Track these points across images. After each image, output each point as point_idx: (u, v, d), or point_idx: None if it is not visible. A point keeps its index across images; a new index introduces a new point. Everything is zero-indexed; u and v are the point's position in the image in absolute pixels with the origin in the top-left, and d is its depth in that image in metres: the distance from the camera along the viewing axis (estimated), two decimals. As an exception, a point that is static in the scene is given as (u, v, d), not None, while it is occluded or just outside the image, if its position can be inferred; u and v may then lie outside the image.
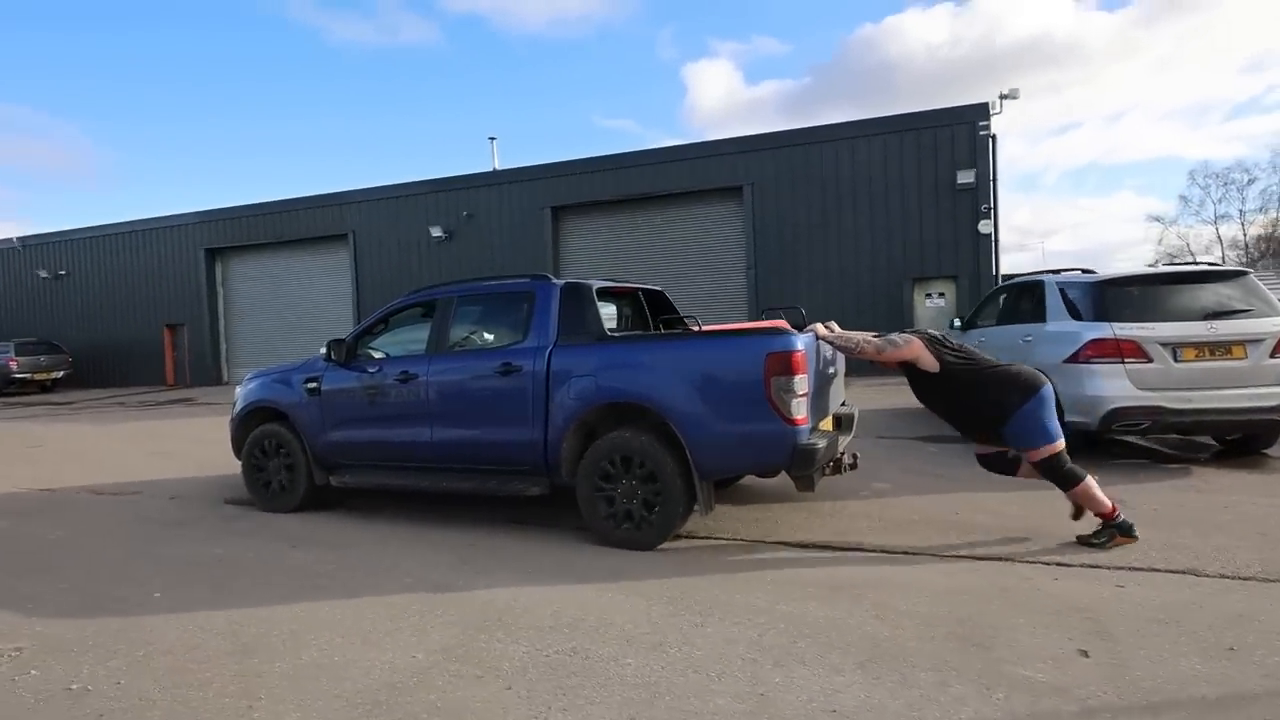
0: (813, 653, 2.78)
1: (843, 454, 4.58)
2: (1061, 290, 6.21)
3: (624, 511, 4.17)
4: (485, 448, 4.66)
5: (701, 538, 4.35)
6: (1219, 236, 43.65)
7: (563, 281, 4.72)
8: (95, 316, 23.52)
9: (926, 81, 74.19)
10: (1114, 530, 3.84)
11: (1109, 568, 3.58)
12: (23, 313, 24.65)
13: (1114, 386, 5.45)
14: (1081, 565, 3.63)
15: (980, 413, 4.01)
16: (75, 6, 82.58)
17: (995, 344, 7.20)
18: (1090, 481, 3.86)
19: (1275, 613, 2.99)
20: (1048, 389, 3.94)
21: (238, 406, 5.79)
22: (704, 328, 4.48)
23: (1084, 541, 3.87)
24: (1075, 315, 5.93)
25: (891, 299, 14.63)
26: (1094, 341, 5.56)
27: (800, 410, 3.87)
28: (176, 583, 3.89)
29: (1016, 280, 7.51)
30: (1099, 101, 77.10)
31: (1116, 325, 5.51)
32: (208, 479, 6.81)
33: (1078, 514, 4.03)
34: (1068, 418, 5.73)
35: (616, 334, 4.80)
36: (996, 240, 13.84)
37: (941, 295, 14.53)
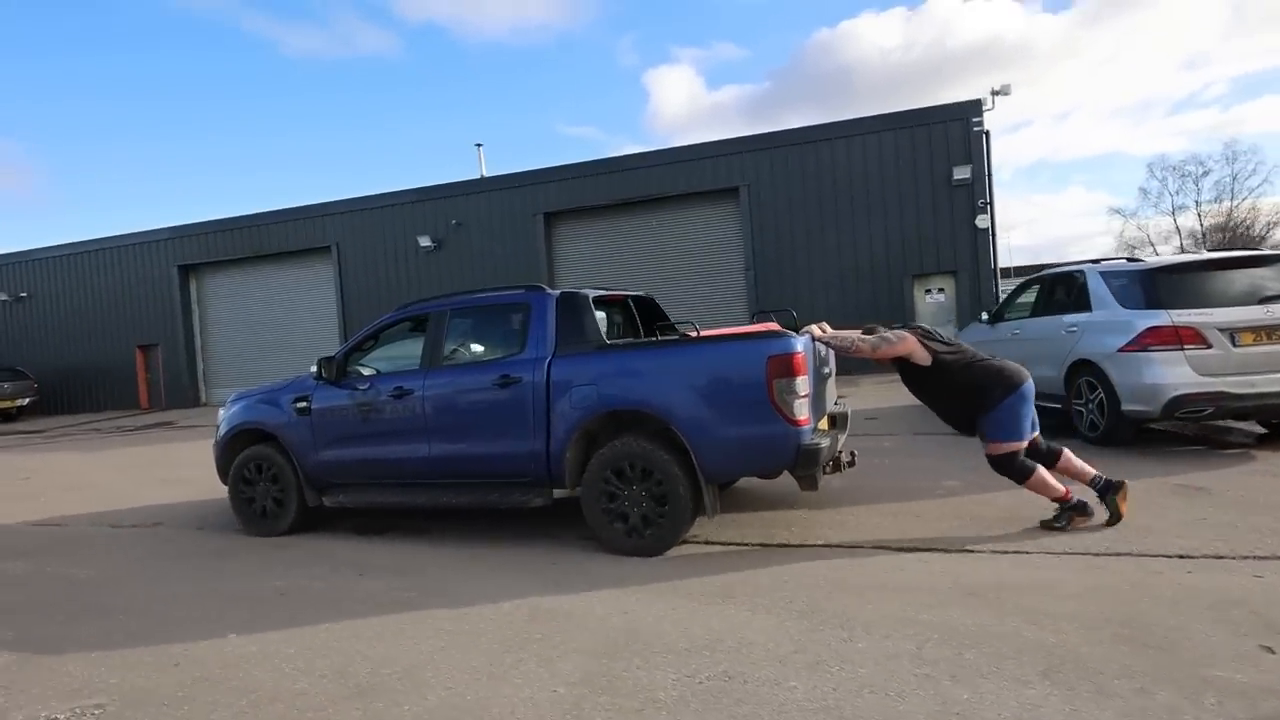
0: (986, 664, 2.62)
1: (840, 452, 4.62)
2: (1106, 279, 6.20)
3: (630, 518, 4.16)
4: (485, 461, 4.62)
5: (754, 545, 4.18)
6: (1177, 227, 45.10)
7: (558, 292, 4.71)
8: (61, 340, 22.51)
9: (882, 84, 75.94)
10: (1071, 512, 4.03)
11: (1233, 557, 3.50)
12: (-18, 338, 23.52)
13: (1175, 374, 5.42)
14: (1204, 556, 3.54)
15: (966, 402, 4.11)
16: (19, 29, 79.73)
17: (1033, 335, 7.21)
18: (1041, 470, 4.03)
19: None
20: (1029, 386, 4.07)
21: (222, 430, 5.61)
22: (702, 332, 4.46)
23: (1046, 526, 4.05)
24: (1125, 303, 5.91)
25: (892, 296, 14.67)
26: (1152, 329, 5.54)
27: (803, 411, 3.94)
28: (249, 620, 3.58)
29: (1050, 271, 7.51)
30: (1047, 101, 79.41)
31: (1173, 312, 5.49)
32: (224, 505, 6.41)
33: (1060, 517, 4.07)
34: (1125, 406, 5.73)
35: (616, 342, 4.79)
36: (994, 235, 13.99)
37: (941, 291, 14.62)
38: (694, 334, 4.43)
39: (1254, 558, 3.48)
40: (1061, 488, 4.04)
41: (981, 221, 13.90)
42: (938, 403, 4.33)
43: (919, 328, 4.27)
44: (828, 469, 4.28)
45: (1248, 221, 43.18)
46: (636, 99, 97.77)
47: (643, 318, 5.81)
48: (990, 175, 14.03)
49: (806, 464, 3.95)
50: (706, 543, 4.33)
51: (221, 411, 5.80)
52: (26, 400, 20.81)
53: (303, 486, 5.16)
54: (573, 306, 4.61)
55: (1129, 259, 6.44)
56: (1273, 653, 2.57)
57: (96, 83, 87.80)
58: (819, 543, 4.17)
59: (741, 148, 15.73)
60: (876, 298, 14.73)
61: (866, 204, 14.82)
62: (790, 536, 4.34)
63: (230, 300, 21.29)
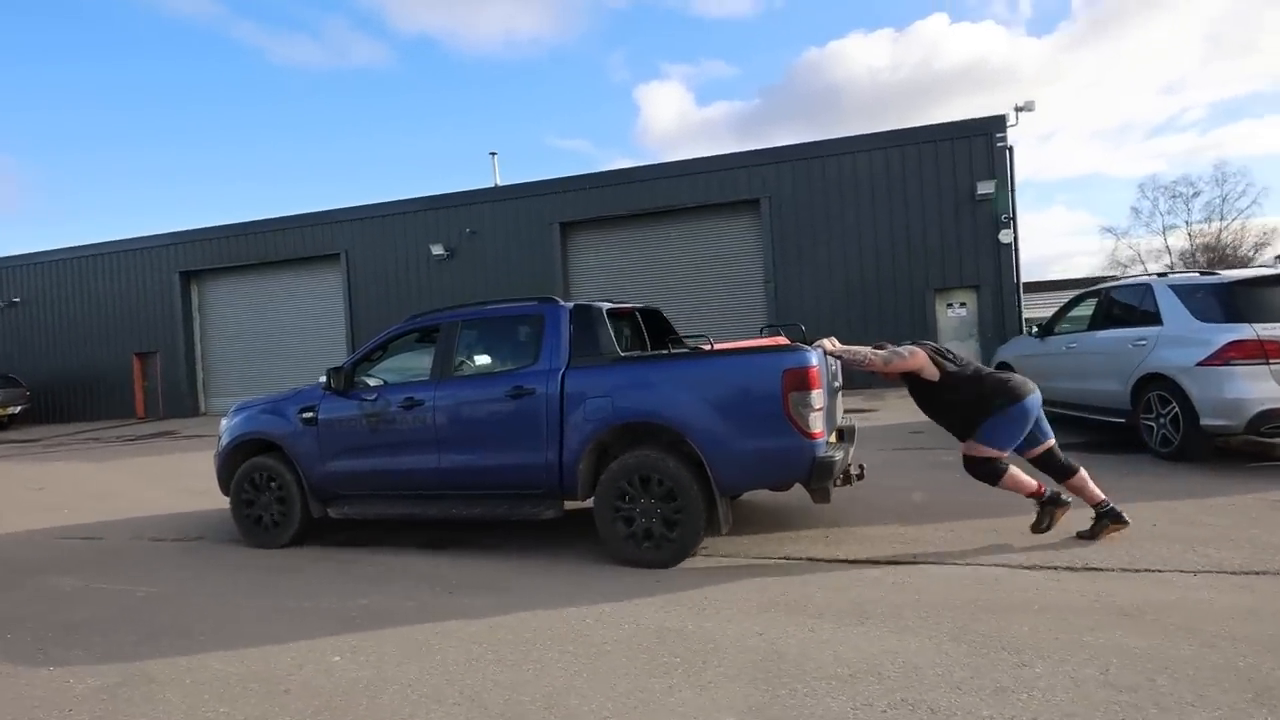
0: (1186, 691, 2.46)
1: (850, 465, 4.64)
2: (1178, 292, 6.13)
3: (644, 530, 4.15)
4: (497, 472, 4.60)
5: (824, 561, 4.00)
6: (1167, 247, 45.74)
7: (571, 304, 4.72)
8: (54, 346, 22.00)
9: (870, 103, 76.90)
10: (1051, 507, 4.16)
11: (1382, 577, 3.37)
12: (-27, 345, 22.94)
13: (1260, 388, 5.33)
14: (1351, 575, 3.41)
15: (971, 413, 4.16)
16: (6, 38, 78.92)
17: (1092, 349, 7.12)
18: (1013, 469, 4.13)
19: None
20: (1034, 399, 4.14)
21: (224, 440, 5.53)
22: (716, 346, 4.46)
23: (1035, 529, 4.16)
24: (1201, 317, 5.83)
25: (914, 310, 14.64)
26: (1235, 343, 5.45)
27: (818, 424, 3.97)
28: (347, 642, 3.35)
29: (1110, 284, 7.44)
30: (1032, 122, 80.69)
31: (1258, 326, 5.42)
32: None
33: (1044, 524, 4.18)
34: (1205, 421, 5.63)
35: (630, 354, 4.78)
36: (1017, 250, 14.01)
37: (963, 305, 14.60)
38: (708, 347, 4.45)
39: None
40: (1034, 482, 4.14)
41: (1005, 236, 13.91)
42: (946, 417, 4.36)
43: (929, 344, 4.35)
44: (838, 482, 4.29)
45: (1235, 242, 43.90)
46: (627, 114, 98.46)
47: (650, 330, 5.78)
48: (1014, 190, 14.08)
49: (821, 476, 3.99)
50: (761, 558, 4.18)
51: (223, 422, 5.70)
52: (18, 409, 20.25)
53: (307, 498, 5.09)
54: (587, 318, 4.60)
55: (1202, 272, 6.37)
56: None
57: (86, 92, 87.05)
58: (911, 558, 4.00)
59: (763, 160, 15.70)
60: (898, 311, 14.68)
61: (889, 217, 14.81)
62: (860, 551, 4.19)
63: (233, 308, 20.92)
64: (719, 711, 2.53)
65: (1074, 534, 4.16)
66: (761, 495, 5.45)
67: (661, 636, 3.19)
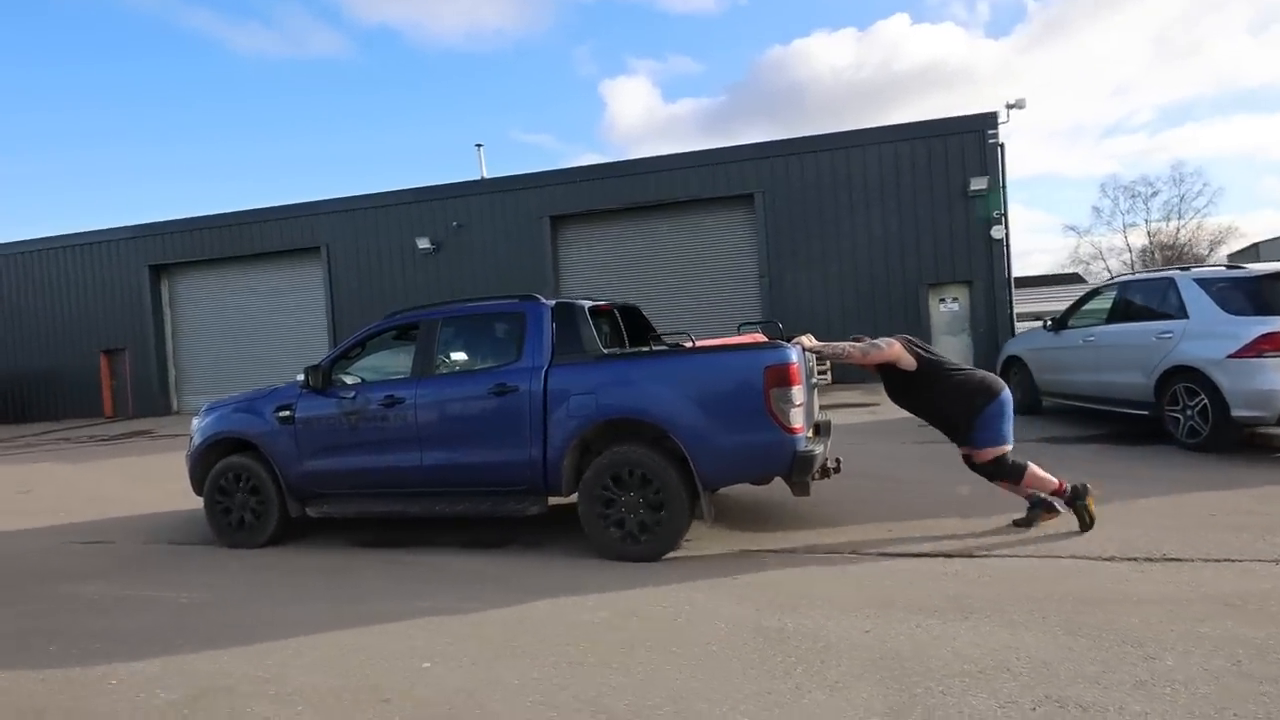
0: (1329, 681, 2.45)
1: (827, 460, 4.71)
2: (1204, 285, 6.23)
3: (628, 524, 4.21)
4: (481, 470, 4.62)
5: (901, 556, 3.97)
6: (1128, 244, 47.20)
7: (553, 301, 4.75)
8: (15, 343, 20.98)
9: (832, 102, 77.63)
10: (1042, 506, 4.28)
11: None
12: (-76, 340, 21.76)
13: (1292, 379, 5.45)
14: None
15: (952, 411, 4.30)
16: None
17: (1112, 342, 7.22)
18: (1032, 466, 4.22)
19: None
20: (1007, 394, 4.29)
21: (196, 440, 5.47)
22: (697, 343, 4.56)
23: (1023, 515, 4.31)
24: (1230, 309, 5.94)
25: (907, 305, 14.78)
26: (1267, 335, 5.56)
27: (799, 419, 4.06)
28: (431, 646, 3.18)
29: (1126, 278, 7.56)
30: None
31: (1289, 317, 5.53)
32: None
33: (1028, 520, 4.32)
34: (1236, 412, 5.74)
35: (614, 351, 4.82)
36: (1008, 245, 14.23)
37: (955, 300, 14.80)
38: (689, 344, 4.50)
39: None
40: (1055, 479, 4.20)
41: (997, 232, 14.12)
42: (922, 408, 4.48)
43: (904, 337, 4.49)
44: (816, 475, 4.35)
45: (1193, 241, 45.49)
46: (593, 109, 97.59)
47: (628, 327, 5.77)
48: (1005, 187, 14.28)
49: (801, 470, 4.08)
50: (830, 551, 4.11)
51: (194, 421, 5.61)
52: (-24, 407, 19.32)
53: (285, 497, 5.04)
54: (569, 316, 4.63)
55: (1229, 265, 6.49)
56: None
57: (38, 92, 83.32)
58: (985, 551, 3.97)
59: (756, 154, 15.69)
60: (891, 306, 14.81)
61: (882, 213, 14.92)
62: (930, 545, 4.12)
63: (206, 303, 20.19)
64: (863, 713, 2.44)
65: (1010, 521, 4.37)
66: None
67: (763, 635, 3.09)
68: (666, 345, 4.84)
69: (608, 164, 16.85)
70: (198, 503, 6.77)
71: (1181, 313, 6.36)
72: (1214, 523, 4.24)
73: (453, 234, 17.60)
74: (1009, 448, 4.22)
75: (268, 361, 18.83)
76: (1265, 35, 64.89)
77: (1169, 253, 45.05)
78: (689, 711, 2.52)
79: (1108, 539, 4.06)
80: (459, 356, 5.05)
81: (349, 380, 5.07)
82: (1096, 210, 60.16)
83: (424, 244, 17.52)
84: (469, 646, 3.17)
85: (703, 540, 4.53)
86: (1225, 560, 3.66)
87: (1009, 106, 14.11)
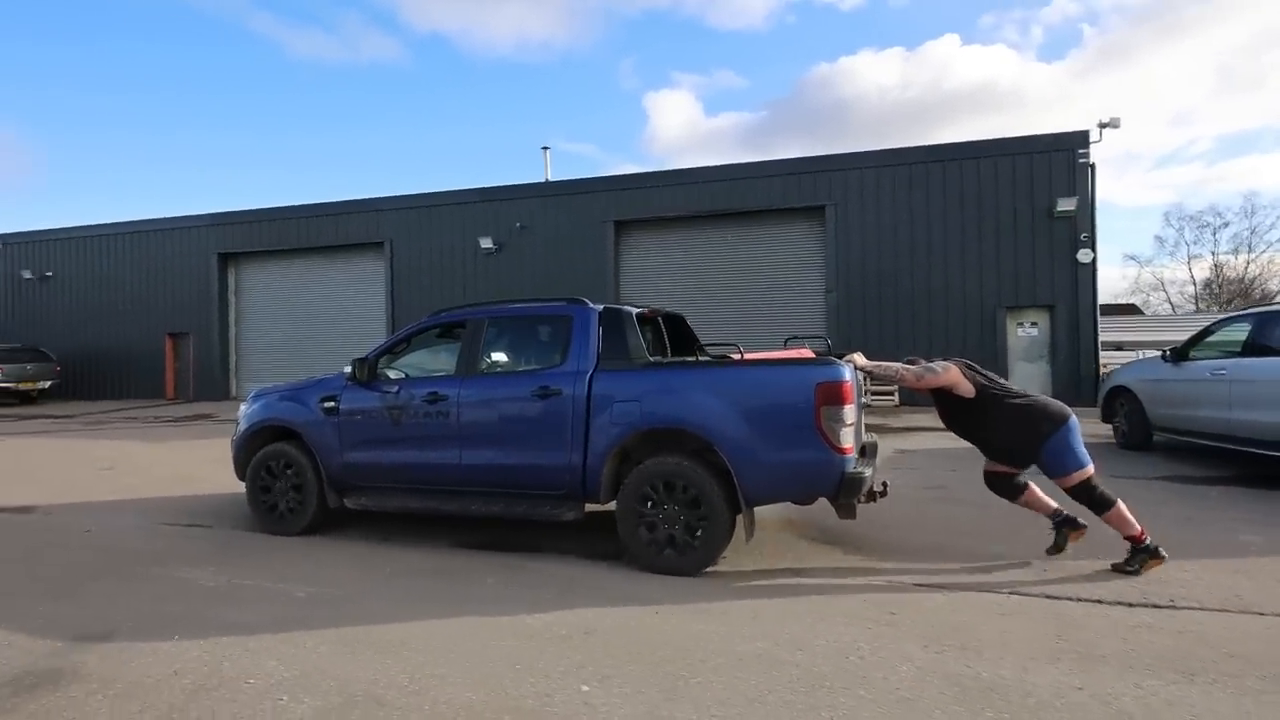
0: None
1: (873, 483, 4.58)
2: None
3: (666, 537, 4.13)
4: (519, 472, 4.57)
5: (1073, 600, 3.59)
6: (1192, 277, 45.35)
7: (600, 306, 4.70)
8: (85, 323, 21.60)
9: (876, 120, 76.49)
10: (1145, 555, 3.95)
11: None
12: (3, 317, 22.54)
13: None
14: None
15: (1014, 440, 4.12)
16: (27, 14, 78.62)
17: (1249, 377, 6.70)
18: (1121, 505, 3.98)
19: None
20: (1074, 419, 4.11)
21: (241, 426, 5.54)
22: (746, 355, 4.47)
23: (1117, 569, 3.96)
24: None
25: (983, 328, 14.24)
26: None
27: (849, 439, 3.95)
28: (602, 675, 2.93)
29: (1266, 309, 7.04)
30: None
31: None
32: (385, 516, 5.74)
33: (1057, 548, 4.21)
34: None
35: (660, 360, 4.76)
36: (1095, 270, 13.62)
37: (1034, 324, 14.20)
38: (738, 356, 4.42)
39: None
40: (1139, 527, 3.99)
41: (1084, 255, 13.52)
42: (979, 436, 4.30)
43: (961, 361, 4.32)
44: (862, 499, 4.22)
45: (1264, 275, 43.43)
46: (635, 120, 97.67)
47: (671, 337, 5.68)
48: (1094, 208, 13.69)
49: (849, 492, 3.96)
50: (987, 588, 3.75)
51: (241, 407, 5.66)
52: (48, 384, 19.88)
53: (324, 487, 5.07)
54: (616, 322, 4.58)
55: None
56: None
57: (96, 73, 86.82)
58: (1170, 602, 3.59)
59: (830, 165, 15.33)
60: (966, 328, 14.29)
61: (960, 231, 14.42)
62: (1090, 589, 3.75)
63: (270, 292, 20.52)
64: None
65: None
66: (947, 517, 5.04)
67: (959, 684, 2.77)
68: (710, 356, 4.74)
69: (674, 171, 16.64)
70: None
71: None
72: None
73: (515, 235, 17.58)
74: (1091, 469, 4.03)
75: (326, 353, 18.99)
76: (1338, 68, 62.14)
77: (1236, 286, 43.13)
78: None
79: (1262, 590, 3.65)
80: (503, 357, 5.02)
81: (394, 375, 5.07)
82: (1160, 240, 58.01)
83: (487, 244, 17.53)
84: (628, 669, 2.92)
85: (739, 557, 4.35)
86: None
87: (1102, 125, 13.51)
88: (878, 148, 14.70)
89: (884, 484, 4.60)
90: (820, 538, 4.89)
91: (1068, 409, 4.14)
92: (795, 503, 4.52)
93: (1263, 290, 41.85)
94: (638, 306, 5.02)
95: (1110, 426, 8.79)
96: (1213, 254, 45.07)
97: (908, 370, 4.20)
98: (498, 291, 17.22)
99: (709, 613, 3.54)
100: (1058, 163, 13.84)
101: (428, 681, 2.83)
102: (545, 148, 19.08)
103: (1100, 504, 4.00)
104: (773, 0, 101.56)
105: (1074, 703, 2.62)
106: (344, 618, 3.54)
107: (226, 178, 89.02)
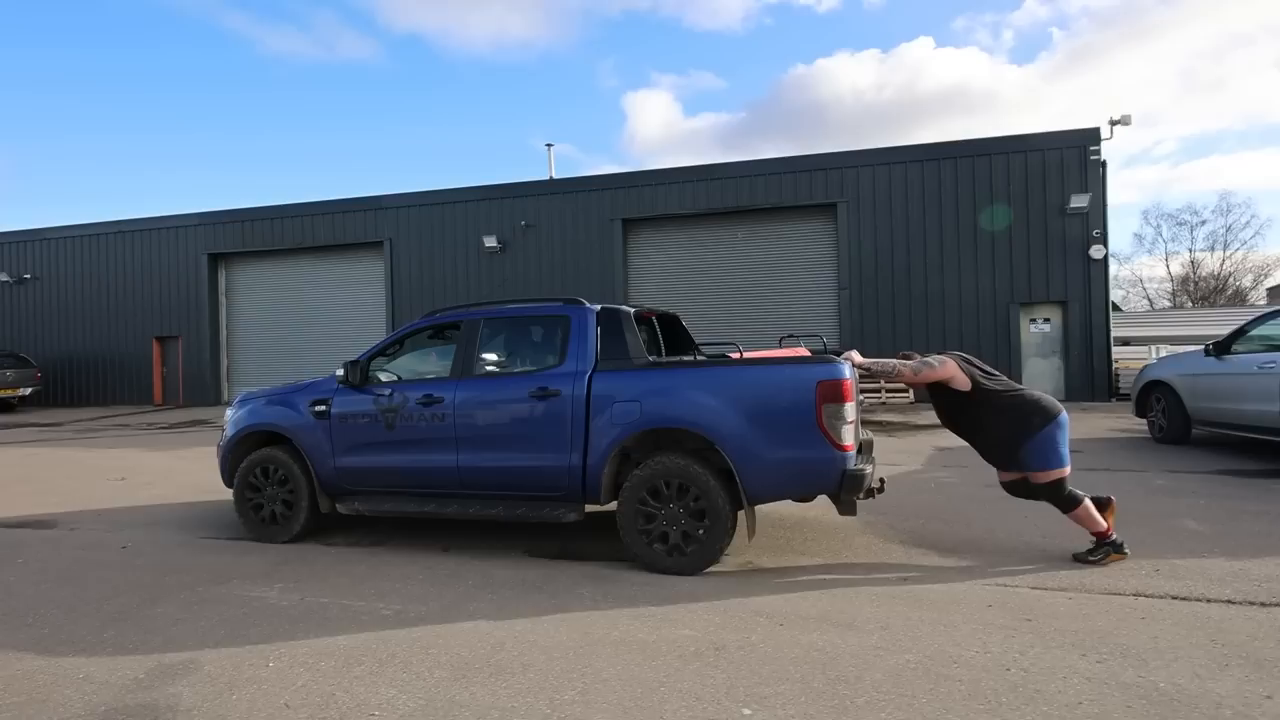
0: None
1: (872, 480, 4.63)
2: None
3: (667, 536, 4.13)
4: (518, 474, 4.54)
5: (1118, 595, 3.46)
6: (1170, 274, 46.21)
7: (598, 306, 4.68)
8: (68, 327, 20.91)
9: (852, 121, 77.12)
10: (1109, 548, 4.07)
11: None
12: (-21, 321, 21.74)
13: None
14: None
15: (1003, 433, 4.12)
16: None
17: (1302, 369, 6.69)
18: (1087, 503, 4.07)
19: None
20: (1065, 416, 4.13)
21: (229, 431, 5.40)
22: (745, 354, 4.42)
23: (1080, 559, 4.08)
24: None
25: (997, 324, 14.24)
26: None
27: (849, 437, 3.98)
28: (808, 707, 2.72)
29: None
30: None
31: None
32: (437, 524, 5.48)
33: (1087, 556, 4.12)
34: None
35: (660, 360, 4.73)
36: (1107, 266, 13.67)
37: (1047, 321, 14.23)
38: (736, 355, 4.40)
39: None
40: (1104, 523, 4.09)
41: (1097, 252, 13.57)
42: (975, 432, 4.29)
43: (959, 354, 4.32)
44: (862, 495, 4.20)
45: (1237, 272, 44.39)
46: (614, 120, 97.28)
47: (665, 337, 5.64)
48: (1106, 205, 13.74)
49: (851, 489, 3.99)
50: (1057, 587, 3.61)
51: (228, 412, 5.55)
52: (29, 390, 19.19)
53: (315, 492, 4.99)
54: (615, 322, 4.55)
55: None
56: None
57: (65, 75, 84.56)
58: (1226, 599, 3.47)
59: (841, 163, 15.26)
60: (979, 325, 14.28)
61: (973, 228, 14.42)
62: (1148, 584, 3.63)
63: (263, 294, 20.00)
64: None
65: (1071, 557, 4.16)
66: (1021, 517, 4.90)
67: (1143, 695, 2.60)
68: (707, 356, 4.73)
69: (684, 168, 16.46)
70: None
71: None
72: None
73: (520, 233, 17.28)
74: (1067, 471, 4.07)
75: (322, 356, 18.54)
76: (1293, 71, 63.83)
77: (1211, 283, 44.03)
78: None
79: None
80: (500, 358, 4.96)
81: (387, 377, 5.00)
82: (1138, 237, 59.10)
83: (490, 242, 17.21)
84: (784, 690, 2.71)
85: (796, 554, 4.29)
86: None
87: (1113, 123, 13.58)
88: (885, 145, 14.61)
89: (881, 480, 4.57)
90: (890, 535, 4.73)
91: (1059, 405, 4.15)
92: (795, 500, 4.55)
93: (1236, 286, 42.80)
94: (633, 306, 4.97)
95: (1146, 421, 8.77)
96: (1190, 251, 46.01)
97: (905, 365, 4.20)
98: (502, 291, 16.94)
99: (834, 623, 3.34)
100: (1070, 159, 13.88)
101: (571, 709, 2.60)
102: (549, 145, 19.06)
103: (1069, 502, 4.06)
104: (750, 2, 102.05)
105: (1273, 713, 2.46)
106: (447, 637, 3.29)
107: (207, 178, 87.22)
